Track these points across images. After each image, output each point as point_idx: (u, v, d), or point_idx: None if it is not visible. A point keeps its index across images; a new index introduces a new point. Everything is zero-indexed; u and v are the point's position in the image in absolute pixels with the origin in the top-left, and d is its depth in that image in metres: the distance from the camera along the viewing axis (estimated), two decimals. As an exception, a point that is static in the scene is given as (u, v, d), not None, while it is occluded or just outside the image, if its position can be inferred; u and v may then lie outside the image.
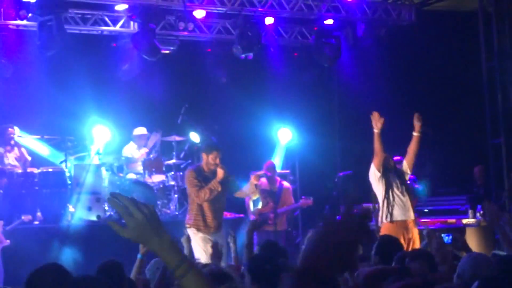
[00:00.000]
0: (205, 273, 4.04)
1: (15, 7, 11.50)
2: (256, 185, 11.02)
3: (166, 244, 2.48)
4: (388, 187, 9.48)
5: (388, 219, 9.33)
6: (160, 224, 2.50)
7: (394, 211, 9.36)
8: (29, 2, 11.42)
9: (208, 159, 9.28)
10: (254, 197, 11.32)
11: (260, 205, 11.49)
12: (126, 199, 2.47)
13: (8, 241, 10.15)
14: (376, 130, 9.53)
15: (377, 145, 9.46)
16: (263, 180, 11.43)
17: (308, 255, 1.99)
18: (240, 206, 11.74)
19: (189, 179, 9.43)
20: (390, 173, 9.61)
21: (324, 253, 1.95)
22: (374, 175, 9.51)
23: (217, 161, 9.30)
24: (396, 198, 9.40)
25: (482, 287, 3.51)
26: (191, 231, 9.09)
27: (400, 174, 9.65)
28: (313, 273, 1.95)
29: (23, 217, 10.79)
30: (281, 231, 11.44)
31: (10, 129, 11.76)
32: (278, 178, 11.77)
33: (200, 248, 8.93)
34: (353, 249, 1.98)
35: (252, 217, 11.34)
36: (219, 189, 9.21)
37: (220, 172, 9.14)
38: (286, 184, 11.92)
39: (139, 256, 6.34)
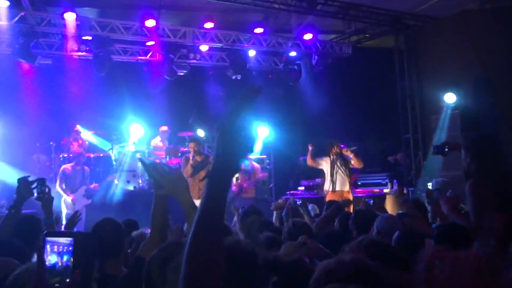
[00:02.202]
0: None
1: (78, 43, 11.70)
2: None
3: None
4: (332, 168, 9.91)
5: (331, 189, 9.89)
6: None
7: (336, 184, 9.86)
8: (87, 39, 11.52)
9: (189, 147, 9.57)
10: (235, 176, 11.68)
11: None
12: (158, 165, 2.72)
13: (90, 200, 10.41)
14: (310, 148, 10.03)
15: (308, 158, 10.09)
16: None
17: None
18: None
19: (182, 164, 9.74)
20: (334, 157, 9.92)
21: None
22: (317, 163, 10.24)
23: (191, 150, 9.38)
24: (338, 175, 9.87)
25: (401, 236, 3.63)
26: None
27: (343, 159, 9.97)
28: None
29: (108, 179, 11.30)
30: (252, 198, 11.16)
31: (75, 126, 12.03)
32: (251, 161, 11.50)
33: None
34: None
35: (233, 188, 11.14)
36: (188, 171, 9.26)
37: (189, 158, 9.42)
38: (256, 164, 11.57)
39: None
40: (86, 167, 10.78)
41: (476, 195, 4.09)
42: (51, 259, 2.02)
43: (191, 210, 2.69)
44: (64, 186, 10.28)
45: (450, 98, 11.95)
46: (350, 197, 9.84)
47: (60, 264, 2.02)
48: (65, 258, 2.02)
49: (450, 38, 12.41)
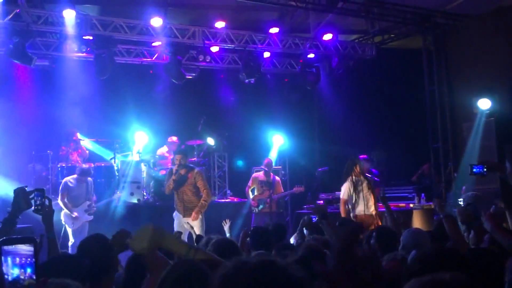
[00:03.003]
0: (212, 246, 4.02)
1: (77, 43, 11.31)
2: (254, 177, 10.95)
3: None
4: (355, 190, 9.18)
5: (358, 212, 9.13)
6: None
7: (361, 207, 9.11)
8: (88, 39, 11.23)
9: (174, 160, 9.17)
10: (252, 187, 11.28)
11: (256, 193, 11.22)
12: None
13: (91, 217, 10.01)
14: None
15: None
16: (260, 173, 11.30)
17: None
18: (243, 193, 11.71)
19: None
20: (356, 178, 9.19)
21: None
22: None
23: (177, 162, 9.03)
24: (361, 197, 9.13)
25: (418, 255, 3.28)
26: (174, 212, 9.18)
27: (366, 178, 9.29)
28: None
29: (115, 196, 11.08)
30: (275, 212, 11.17)
31: (75, 134, 11.71)
32: (272, 173, 11.45)
33: (176, 223, 8.98)
34: None
35: (252, 202, 11.07)
36: (172, 184, 8.97)
37: (173, 171, 9.00)
38: (277, 177, 11.53)
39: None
40: (90, 178, 10.37)
41: None
42: (13, 272, 2.00)
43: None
44: (66, 200, 9.87)
45: (484, 104, 11.47)
46: (378, 221, 9.11)
47: (22, 277, 2.00)
48: (28, 270, 1.99)
49: (484, 38, 11.97)
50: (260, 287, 1.60)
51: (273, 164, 12.38)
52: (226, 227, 7.37)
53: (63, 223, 9.73)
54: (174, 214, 9.20)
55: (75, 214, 9.77)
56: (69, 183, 9.97)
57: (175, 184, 9.06)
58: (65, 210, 9.79)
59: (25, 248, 2.05)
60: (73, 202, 9.89)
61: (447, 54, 12.95)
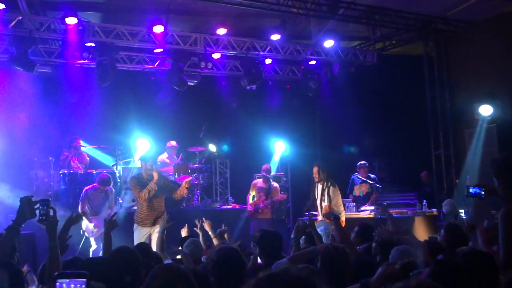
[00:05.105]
0: (216, 253, 3.92)
1: (80, 50, 11.34)
2: (253, 184, 11.00)
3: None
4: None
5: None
6: None
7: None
8: (90, 46, 11.21)
9: (146, 166, 8.53)
10: (253, 194, 11.31)
11: (255, 199, 11.26)
12: None
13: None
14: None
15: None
16: (260, 180, 11.34)
17: None
18: (245, 199, 11.70)
19: (132, 185, 8.62)
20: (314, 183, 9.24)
21: None
22: None
23: (149, 167, 8.55)
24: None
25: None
26: (135, 225, 8.61)
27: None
28: None
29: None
30: (269, 219, 11.16)
31: (77, 140, 11.66)
32: (271, 180, 11.45)
33: (136, 237, 8.43)
34: None
35: (249, 207, 11.15)
36: (155, 188, 8.41)
37: (155, 175, 8.44)
38: (275, 184, 11.49)
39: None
40: (110, 187, 10.31)
41: (509, 225, 3.73)
42: None
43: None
44: (87, 210, 10.00)
45: (485, 110, 11.40)
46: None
47: None
48: None
49: (485, 44, 11.94)
50: None
51: (272, 170, 12.33)
52: (205, 225, 7.24)
53: (83, 232, 9.75)
54: (135, 226, 8.61)
55: (93, 223, 9.79)
56: (89, 193, 10.06)
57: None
58: (86, 221, 9.80)
59: (77, 280, 2.09)
60: (93, 211, 9.98)
61: (448, 60, 12.91)
